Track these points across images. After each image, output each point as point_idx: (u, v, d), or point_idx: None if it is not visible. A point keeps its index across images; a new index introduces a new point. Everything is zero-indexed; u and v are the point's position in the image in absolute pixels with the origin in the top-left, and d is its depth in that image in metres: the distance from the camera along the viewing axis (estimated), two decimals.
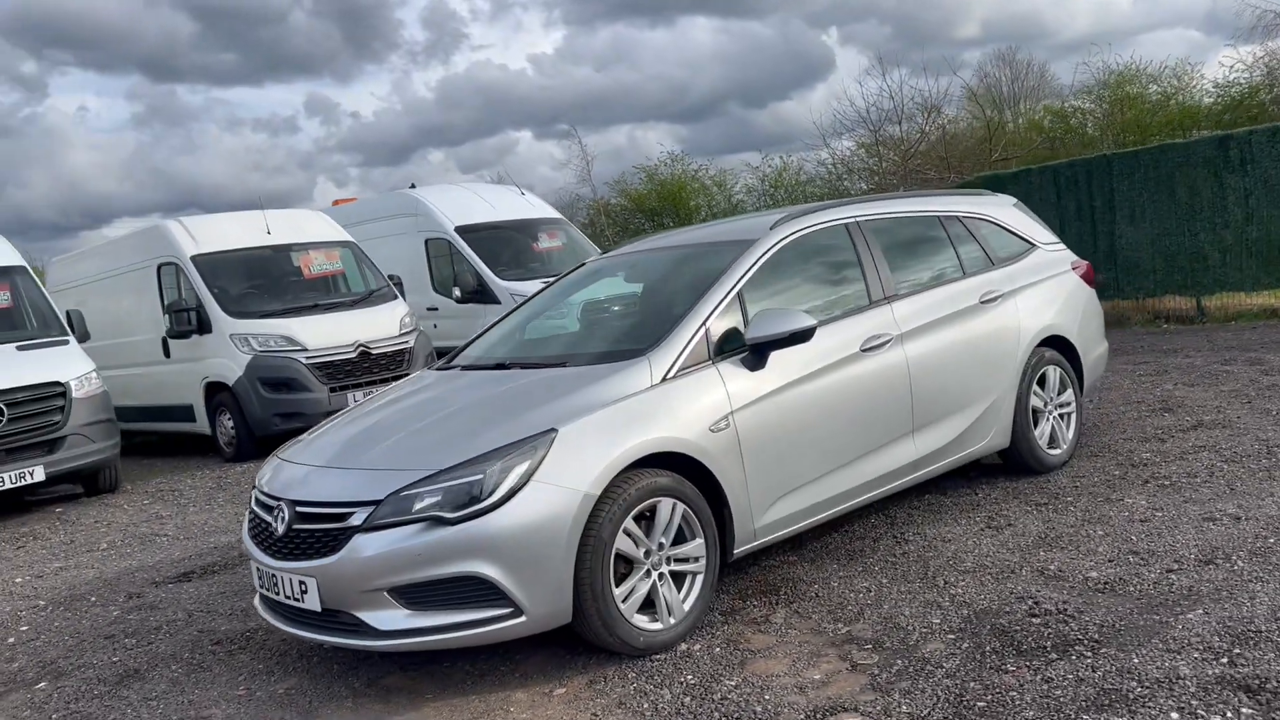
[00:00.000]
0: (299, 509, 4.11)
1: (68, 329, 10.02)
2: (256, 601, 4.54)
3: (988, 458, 5.91)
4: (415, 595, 3.81)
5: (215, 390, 11.06)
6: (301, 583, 3.99)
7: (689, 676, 3.87)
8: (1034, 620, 3.94)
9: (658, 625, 4.10)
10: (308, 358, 10.60)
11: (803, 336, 4.53)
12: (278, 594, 4.15)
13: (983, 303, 5.65)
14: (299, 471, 4.40)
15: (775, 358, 4.56)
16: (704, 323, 4.52)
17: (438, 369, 5.46)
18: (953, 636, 3.92)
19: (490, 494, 3.77)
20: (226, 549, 6.81)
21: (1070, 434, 6.15)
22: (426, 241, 13.84)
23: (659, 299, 5.21)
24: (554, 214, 15.08)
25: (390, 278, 12.14)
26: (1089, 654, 3.59)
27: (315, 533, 4.01)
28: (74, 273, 13.55)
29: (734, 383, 4.45)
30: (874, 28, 48.21)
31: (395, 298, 11.81)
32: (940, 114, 23.86)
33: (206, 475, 10.30)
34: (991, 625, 3.96)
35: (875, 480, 5.02)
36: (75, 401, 9.26)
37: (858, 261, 5.29)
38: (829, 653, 3.94)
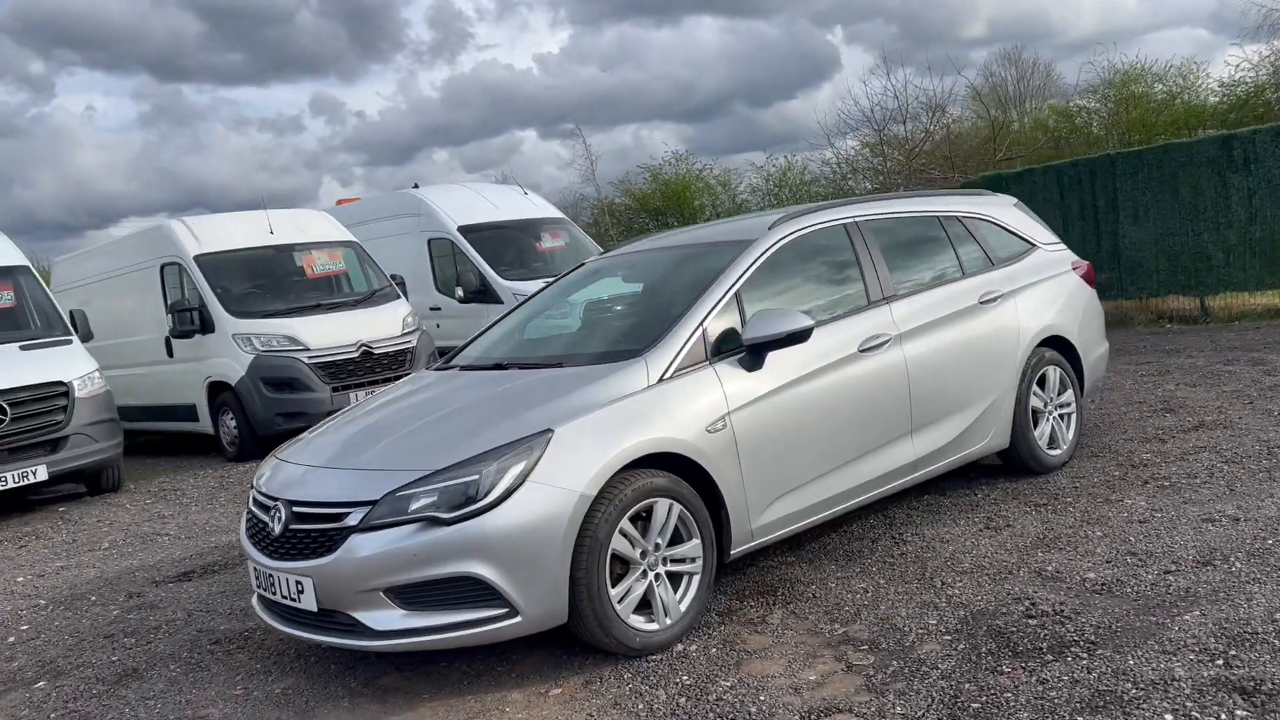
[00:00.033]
0: (295, 509, 4.12)
1: (71, 329, 10.04)
2: (254, 601, 4.55)
3: (987, 458, 5.90)
4: (411, 595, 3.82)
5: (218, 390, 11.08)
6: (298, 583, 3.99)
7: (684, 677, 3.87)
8: (1030, 621, 3.94)
9: (654, 626, 4.10)
10: (310, 357, 10.61)
11: (800, 337, 4.53)
12: (275, 594, 4.16)
13: (982, 303, 5.64)
14: (296, 472, 4.41)
15: (773, 358, 4.56)
16: (701, 323, 4.52)
17: (436, 369, 5.47)
18: (949, 637, 3.91)
19: (486, 494, 3.78)
20: (227, 548, 6.82)
21: (1070, 434, 6.14)
22: (429, 241, 13.85)
23: (657, 299, 5.21)
24: (557, 214, 15.09)
25: (393, 277, 12.15)
26: (1084, 655, 3.59)
27: (311, 533, 4.02)
28: (78, 272, 13.59)
29: (731, 383, 4.45)
30: (880, 27, 48.20)
31: (398, 297, 11.82)
32: (945, 113, 23.84)
33: (209, 475, 10.32)
34: (988, 626, 3.96)
35: (873, 481, 5.02)
36: (78, 401, 9.28)
37: (856, 262, 5.28)
38: (825, 653, 3.94)
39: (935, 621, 4.08)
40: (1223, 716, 3.05)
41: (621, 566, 4.03)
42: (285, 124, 72.73)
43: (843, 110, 38.75)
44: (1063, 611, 3.98)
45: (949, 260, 5.76)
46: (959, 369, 5.41)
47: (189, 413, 11.64)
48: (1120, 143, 20.08)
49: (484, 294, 12.86)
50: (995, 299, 5.71)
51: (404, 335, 11.28)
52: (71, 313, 10.29)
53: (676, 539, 4.19)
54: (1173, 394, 7.88)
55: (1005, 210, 6.37)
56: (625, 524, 3.99)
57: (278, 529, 4.13)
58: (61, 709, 4.36)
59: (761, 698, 3.63)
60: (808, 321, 4.52)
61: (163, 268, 11.69)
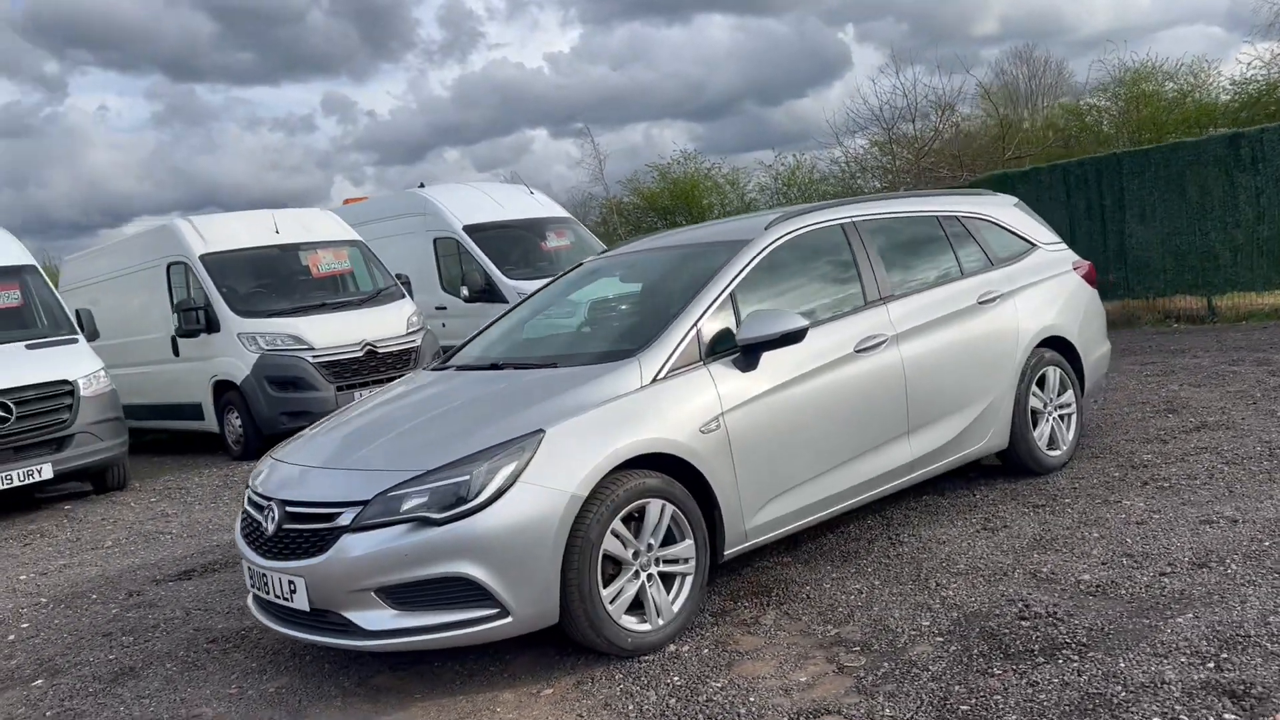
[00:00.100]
0: (289, 509, 4.13)
1: (77, 328, 10.09)
2: (249, 601, 4.56)
3: (987, 459, 5.89)
4: (402, 595, 3.83)
5: (223, 389, 11.12)
6: (290, 582, 4.01)
7: (675, 678, 3.86)
8: (1023, 623, 3.93)
9: (646, 626, 4.10)
10: (315, 356, 10.64)
11: (794, 337, 4.52)
12: (268, 594, 4.18)
13: (981, 303, 5.62)
14: (290, 471, 4.42)
15: (768, 358, 4.56)
16: (695, 324, 4.51)
17: (432, 369, 5.47)
18: (941, 639, 3.90)
19: (477, 495, 3.78)
20: (229, 547, 6.84)
21: (1070, 435, 6.12)
22: (435, 241, 13.87)
23: (653, 299, 5.22)
24: (562, 213, 15.09)
25: (398, 277, 12.17)
26: (1075, 658, 3.57)
27: (304, 532, 4.03)
28: (86, 271, 13.65)
29: (725, 384, 4.44)
30: (891, 25, 47.98)
31: (403, 297, 11.84)
32: (954, 112, 23.77)
33: (214, 473, 10.37)
34: (980, 628, 3.95)
35: (870, 481, 5.01)
36: (83, 400, 9.33)
37: (853, 262, 5.27)
38: (816, 655, 3.93)
39: (928, 623, 4.07)
40: None
41: (614, 567, 4.03)
42: (297, 123, 72.99)
43: (851, 109, 38.65)
44: (1056, 613, 3.97)
45: (948, 260, 5.74)
46: (957, 369, 5.40)
47: (195, 411, 11.69)
48: (1131, 141, 20.00)
49: (489, 293, 12.86)
50: (994, 299, 5.69)
51: (408, 335, 11.29)
52: (78, 311, 10.34)
53: (669, 539, 4.19)
54: (1176, 394, 7.84)
55: (1005, 210, 6.35)
56: (617, 524, 3.99)
57: (271, 528, 4.15)
58: (57, 707, 4.38)
59: (751, 699, 3.62)
60: (802, 322, 4.51)
61: (169, 267, 11.73)
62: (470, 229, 13.45)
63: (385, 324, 11.22)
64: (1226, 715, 3.05)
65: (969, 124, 24.69)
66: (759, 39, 56.81)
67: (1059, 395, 6.02)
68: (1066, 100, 26.38)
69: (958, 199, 6.24)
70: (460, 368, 5.23)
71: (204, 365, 11.28)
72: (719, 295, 4.65)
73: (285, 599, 4.06)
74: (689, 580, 4.25)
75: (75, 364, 9.53)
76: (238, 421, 11.02)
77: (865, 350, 4.97)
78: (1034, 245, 6.26)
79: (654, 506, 4.10)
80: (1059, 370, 6.00)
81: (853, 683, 3.66)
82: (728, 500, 4.37)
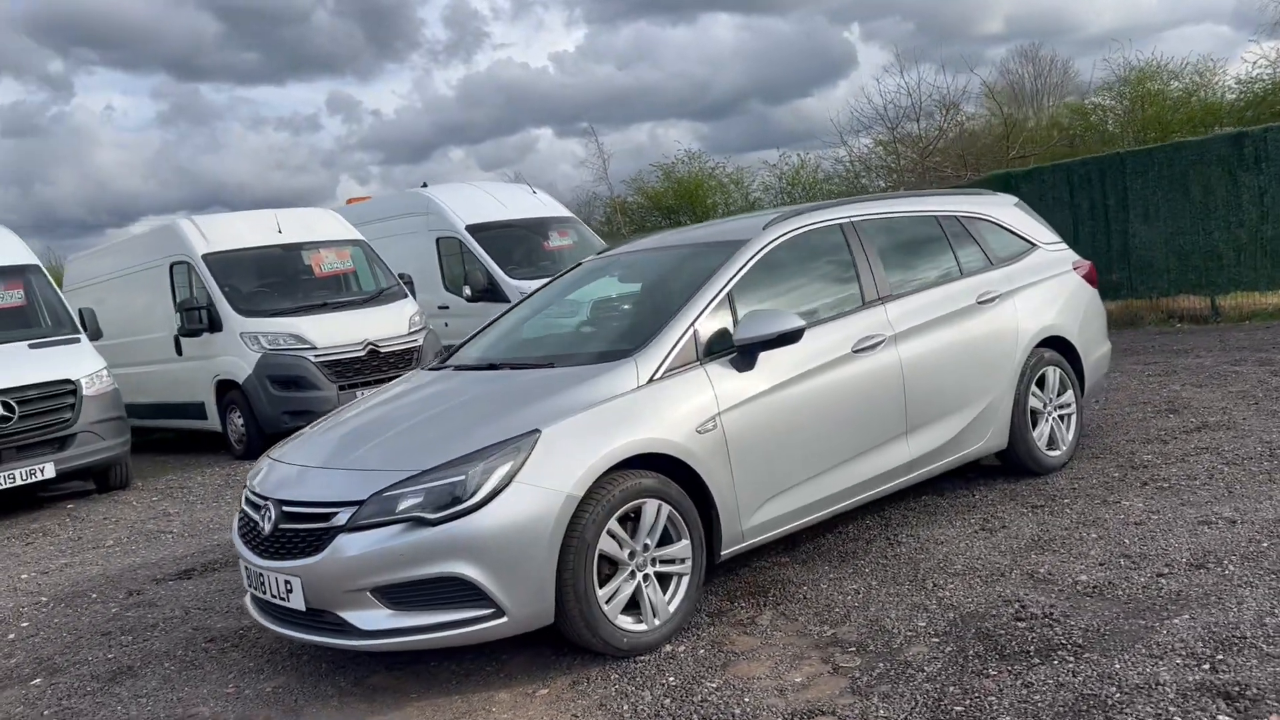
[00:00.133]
0: (285, 508, 4.14)
1: (80, 327, 10.11)
2: (247, 600, 4.57)
3: (987, 459, 5.88)
4: (398, 595, 3.83)
5: (226, 388, 11.13)
6: (287, 582, 4.01)
7: (671, 678, 3.86)
8: (1019, 624, 3.92)
9: (642, 626, 4.10)
10: (317, 356, 10.65)
11: (791, 338, 4.52)
12: (265, 593, 4.18)
13: (980, 303, 5.61)
14: (287, 471, 4.43)
15: (764, 359, 4.55)
16: (692, 324, 4.51)
17: (430, 369, 5.48)
18: (937, 640, 3.90)
19: (472, 495, 3.78)
20: (229, 546, 6.85)
21: (1070, 435, 6.11)
22: (438, 240, 13.87)
23: (650, 299, 5.22)
24: (565, 212, 15.09)
25: (401, 276, 12.18)
26: (1071, 659, 3.57)
27: (300, 532, 4.04)
28: (90, 270, 13.68)
29: (722, 384, 4.44)
30: (896, 24, 47.97)
31: (405, 296, 11.85)
32: (959, 111, 23.74)
33: (216, 472, 10.38)
34: (976, 629, 3.94)
35: (868, 482, 5.00)
36: (85, 399, 9.34)
37: (852, 262, 5.26)
38: (812, 655, 3.93)
39: (924, 623, 4.06)
40: None
41: (609, 567, 4.03)
42: (302, 123, 73.02)
43: (855, 108, 38.64)
44: (1052, 614, 3.96)
45: (947, 260, 5.73)
46: (955, 369, 5.39)
47: (198, 411, 11.71)
48: (1136, 140, 19.96)
49: (492, 293, 12.86)
50: (993, 299, 5.68)
51: (411, 334, 11.30)
52: (80, 311, 10.36)
53: (666, 540, 4.19)
54: (1178, 394, 7.82)
55: (1005, 210, 6.33)
56: (613, 525, 3.99)
57: (268, 528, 4.15)
58: (55, 706, 4.40)
59: (746, 699, 3.62)
60: (799, 322, 4.51)
61: (172, 266, 11.75)
62: (473, 228, 13.45)
63: (387, 323, 11.23)
64: (1220, 717, 3.04)
65: (973, 123, 24.67)
66: (764, 38, 56.83)
67: (1059, 395, 6.01)
68: (1072, 99, 26.35)
69: (957, 199, 6.23)
70: (458, 368, 5.23)
71: (207, 364, 11.30)
72: (716, 295, 4.65)
73: (282, 599, 4.07)
74: (685, 580, 4.25)
75: (78, 363, 9.55)
76: (240, 421, 11.03)
77: (863, 350, 4.97)
78: (1034, 245, 6.24)
79: (650, 507, 4.10)
80: (1059, 370, 5.99)
81: (848, 683, 3.65)
82: (724, 500, 4.37)
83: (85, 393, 9.36)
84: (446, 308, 13.59)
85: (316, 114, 77.23)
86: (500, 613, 3.80)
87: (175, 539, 7.45)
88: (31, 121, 66.02)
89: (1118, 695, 3.25)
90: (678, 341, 4.44)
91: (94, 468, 9.60)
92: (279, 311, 11.04)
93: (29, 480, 8.94)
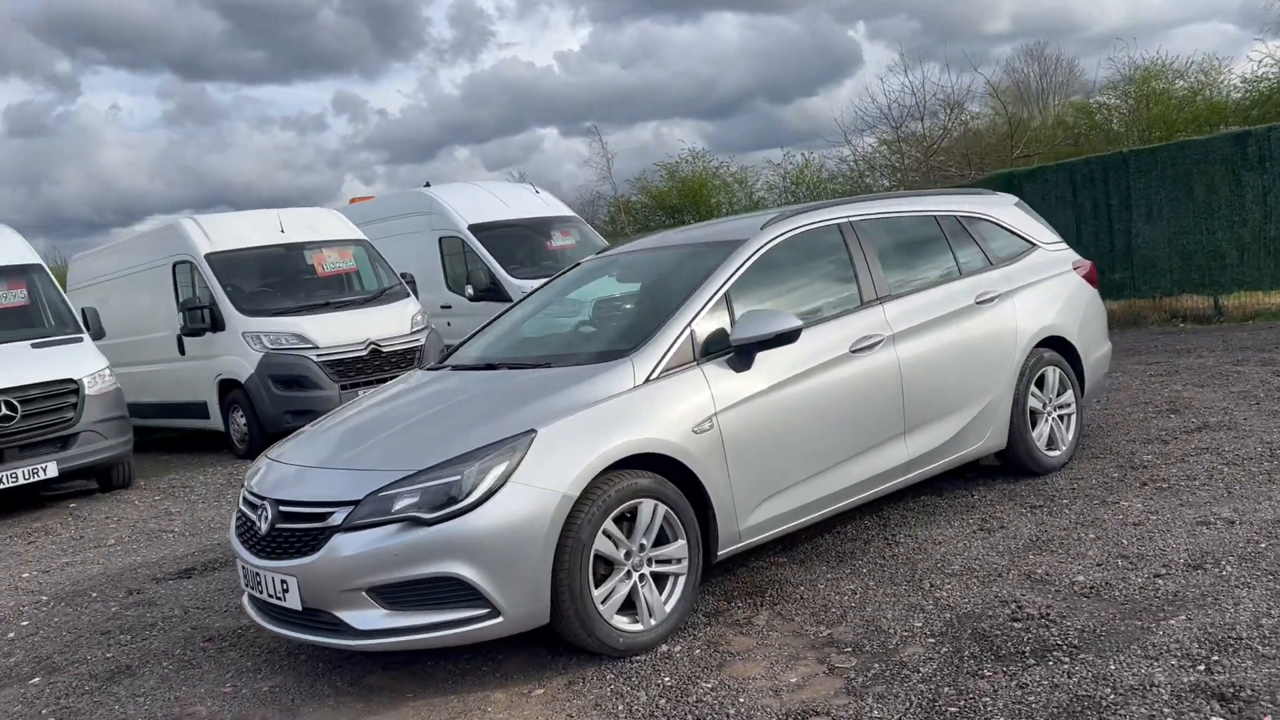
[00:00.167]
0: (282, 508, 4.15)
1: (82, 326, 10.13)
2: (244, 600, 4.57)
3: (986, 459, 5.87)
4: (393, 595, 3.83)
5: (228, 387, 11.16)
6: (283, 581, 4.02)
7: (666, 678, 3.86)
8: (1015, 625, 3.92)
9: (638, 626, 4.10)
10: (319, 355, 10.66)
11: (788, 338, 4.51)
12: (261, 593, 4.19)
13: (978, 303, 5.60)
14: (284, 471, 4.44)
15: (762, 359, 4.55)
16: (689, 324, 4.51)
17: (428, 369, 5.49)
18: (933, 640, 3.89)
19: (467, 495, 3.79)
20: (229, 545, 6.84)
21: (1070, 435, 6.10)
22: (440, 240, 13.88)
23: (648, 299, 5.22)
24: (568, 212, 15.09)
25: (403, 276, 12.19)
26: (1066, 659, 3.56)
27: (296, 532, 4.04)
28: (94, 269, 13.71)
29: (719, 384, 4.44)
30: (902, 22, 47.81)
31: (407, 296, 11.86)
32: (963, 110, 23.71)
33: (218, 472, 10.41)
34: (973, 629, 3.94)
35: (865, 482, 5.00)
36: (88, 399, 9.36)
37: (850, 262, 5.26)
38: (808, 655, 3.93)
39: (920, 624, 4.06)
40: None
41: (605, 567, 4.03)
42: (308, 122, 73.12)
43: (860, 108, 38.60)
44: (1049, 615, 3.95)
45: (946, 260, 5.72)
46: (954, 370, 5.38)
47: (200, 410, 11.73)
48: (1141, 140, 19.90)
49: (494, 292, 12.86)
50: (992, 299, 5.67)
51: (413, 333, 11.31)
52: (83, 310, 10.38)
53: (662, 540, 4.19)
54: (1179, 394, 7.81)
55: (1005, 210, 6.32)
56: (609, 525, 3.99)
57: (264, 528, 4.16)
58: (53, 705, 4.41)
59: (741, 700, 3.62)
60: (796, 322, 4.50)
61: (175, 266, 11.78)
62: (475, 228, 13.46)
63: (389, 323, 11.24)
64: (1214, 718, 3.03)
65: (978, 123, 24.64)
66: (769, 37, 56.78)
67: (1058, 395, 6.00)
68: (1077, 99, 26.30)
69: (957, 199, 6.22)
70: (456, 367, 5.24)
71: (209, 364, 11.32)
72: (713, 295, 4.65)
73: (278, 598, 4.07)
74: (681, 580, 4.25)
75: (80, 363, 9.57)
76: (242, 420, 11.05)
77: (861, 350, 4.96)
78: (1034, 245, 6.23)
79: (646, 507, 4.10)
80: (1058, 370, 5.98)
81: (843, 684, 3.65)
82: (721, 500, 4.37)
83: (87, 392, 9.38)
84: (449, 307, 13.60)
85: (322, 113, 77.42)
86: (495, 613, 3.80)
87: (176, 538, 7.46)
88: (38, 121, 66.22)
89: (1112, 696, 3.25)
90: (674, 341, 4.44)
91: (96, 467, 9.62)
92: (281, 311, 11.05)
93: (31, 479, 8.97)
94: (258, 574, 4.17)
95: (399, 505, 3.83)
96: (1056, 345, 6.01)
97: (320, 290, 11.59)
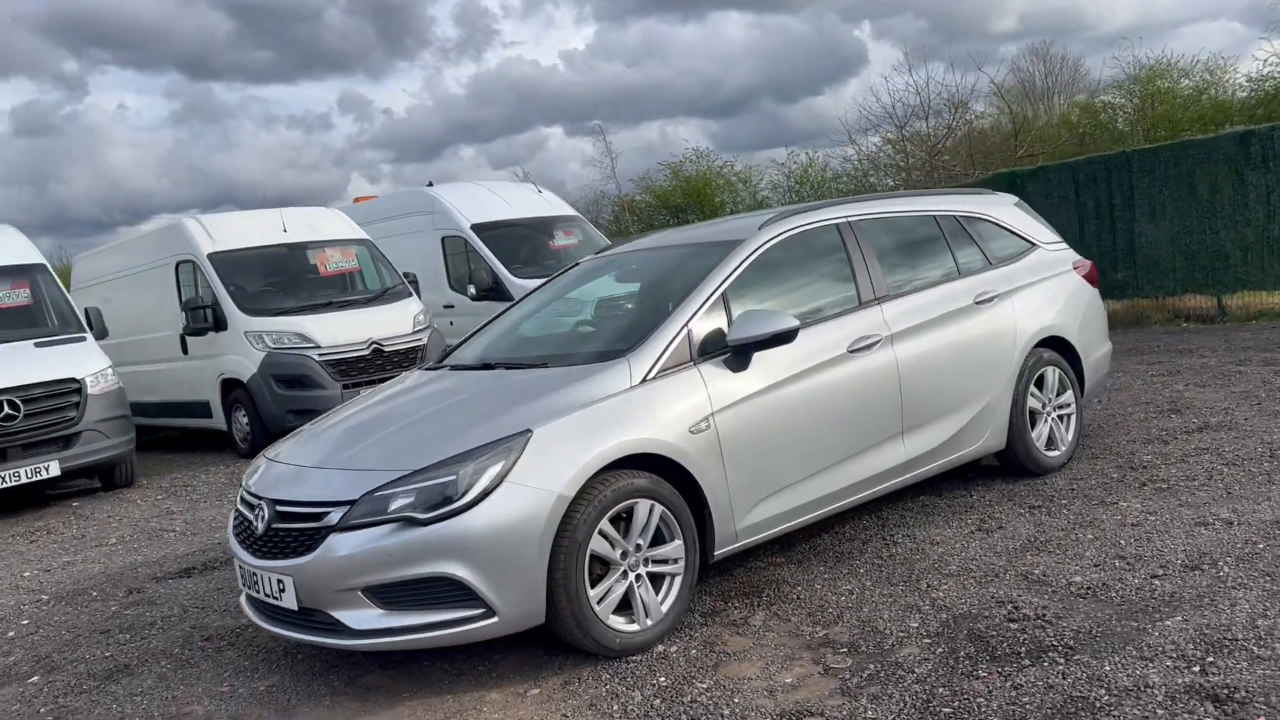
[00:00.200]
0: (279, 508, 4.15)
1: (85, 326, 10.16)
2: (242, 600, 4.58)
3: (986, 459, 5.86)
4: (389, 595, 3.84)
5: (231, 386, 11.18)
6: (279, 581, 4.03)
7: (661, 678, 3.87)
8: (1011, 625, 3.91)
9: (634, 627, 4.10)
10: (320, 355, 10.68)
11: (785, 338, 4.51)
12: (258, 592, 4.20)
13: (977, 303, 5.59)
14: (282, 471, 4.45)
15: (759, 359, 4.55)
16: (686, 324, 4.51)
17: (425, 369, 5.49)
18: (929, 641, 3.89)
19: (463, 495, 3.79)
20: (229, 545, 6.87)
21: (1070, 436, 6.09)
22: (443, 239, 13.90)
23: (645, 300, 5.23)
24: (570, 211, 15.10)
25: (406, 275, 12.20)
26: (1061, 660, 3.56)
27: (292, 532, 4.05)
28: (98, 269, 13.74)
29: (716, 384, 4.44)
30: (908, 21, 47.69)
31: (409, 295, 11.87)
32: (967, 110, 23.67)
33: (220, 471, 10.43)
34: (969, 630, 3.93)
35: (863, 482, 4.99)
36: (90, 398, 9.39)
37: (848, 262, 5.25)
38: (803, 656, 3.93)
39: (917, 624, 4.06)
40: None
41: (602, 567, 4.04)
42: (314, 121, 73.11)
43: (864, 107, 38.58)
44: (1045, 616, 3.95)
45: (945, 260, 5.71)
46: (953, 370, 5.37)
47: (203, 409, 11.76)
48: (1145, 139, 19.85)
49: (496, 292, 12.87)
50: (991, 299, 5.66)
51: (415, 333, 11.33)
52: (86, 310, 10.42)
53: (659, 540, 4.19)
54: (1181, 394, 7.79)
55: (1005, 209, 6.31)
56: (605, 525, 4.00)
57: (261, 528, 4.17)
58: (51, 704, 4.42)
59: (735, 700, 3.62)
60: (793, 322, 4.50)
61: (178, 265, 11.80)
62: (478, 227, 13.48)
63: (391, 322, 11.25)
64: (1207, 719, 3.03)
65: (983, 122, 24.60)
66: (775, 36, 56.74)
67: (1058, 396, 5.99)
68: (1082, 98, 26.24)
69: (956, 198, 6.21)
70: (454, 367, 5.24)
71: (212, 363, 11.34)
72: (710, 296, 4.64)
73: (275, 598, 4.08)
74: (678, 581, 4.25)
75: (83, 362, 9.60)
76: (245, 419, 11.07)
77: (859, 350, 4.96)
78: (1034, 245, 6.22)
79: (642, 507, 4.10)
80: (1058, 370, 5.97)
81: (837, 684, 3.65)
82: (718, 501, 4.37)
83: (90, 391, 9.41)
84: (452, 307, 13.62)
85: (328, 112, 77.37)
86: (491, 613, 3.81)
87: (177, 537, 7.48)
88: (46, 121, 66.28)
89: (1106, 697, 3.25)
90: (671, 341, 4.44)
91: (99, 466, 9.65)
92: (284, 310, 11.07)
93: (34, 478, 9.00)
94: (255, 574, 4.18)
95: (394, 505, 3.83)
96: (1056, 345, 6.00)
97: (323, 290, 11.61)
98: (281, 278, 11.61)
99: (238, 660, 4.66)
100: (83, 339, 9.98)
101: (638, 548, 4.12)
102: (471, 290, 13.12)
